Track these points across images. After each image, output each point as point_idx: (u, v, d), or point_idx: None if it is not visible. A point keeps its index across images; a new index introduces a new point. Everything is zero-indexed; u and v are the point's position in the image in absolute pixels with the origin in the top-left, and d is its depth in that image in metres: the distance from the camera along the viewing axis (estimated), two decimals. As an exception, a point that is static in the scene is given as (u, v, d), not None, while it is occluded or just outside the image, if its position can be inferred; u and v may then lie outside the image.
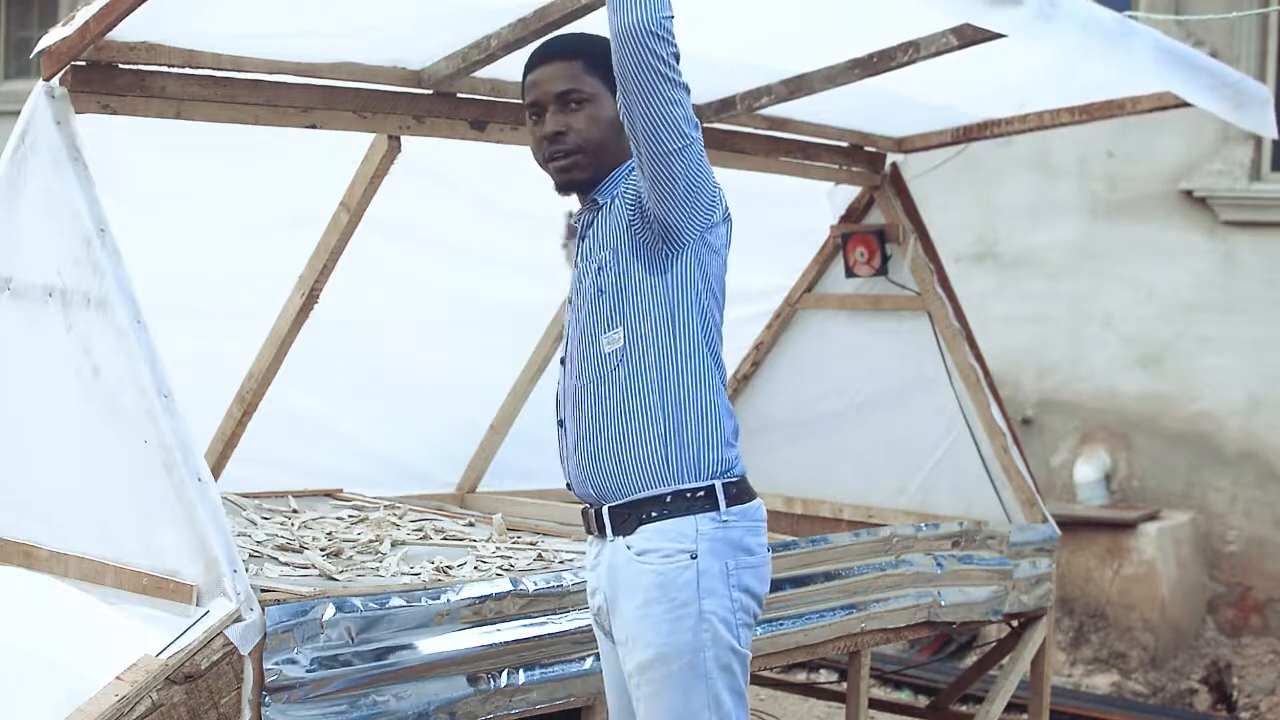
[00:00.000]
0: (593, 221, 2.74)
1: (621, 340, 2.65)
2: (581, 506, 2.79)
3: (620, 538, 2.67)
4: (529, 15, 3.41)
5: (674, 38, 2.50)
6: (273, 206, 3.85)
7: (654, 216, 2.61)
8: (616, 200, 2.70)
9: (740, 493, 2.69)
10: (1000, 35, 3.55)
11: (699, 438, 2.66)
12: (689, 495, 2.64)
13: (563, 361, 2.79)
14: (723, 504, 2.66)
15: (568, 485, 2.79)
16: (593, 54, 2.70)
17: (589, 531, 2.77)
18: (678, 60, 2.52)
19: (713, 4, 3.40)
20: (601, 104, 2.69)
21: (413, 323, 4.46)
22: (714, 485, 2.66)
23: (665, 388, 2.64)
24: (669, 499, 2.64)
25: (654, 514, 2.64)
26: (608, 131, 2.70)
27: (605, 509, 2.69)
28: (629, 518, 2.66)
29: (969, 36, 3.82)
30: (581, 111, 2.69)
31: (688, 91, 2.54)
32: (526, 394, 4.78)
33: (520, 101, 3.90)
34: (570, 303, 2.80)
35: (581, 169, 2.72)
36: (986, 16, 3.23)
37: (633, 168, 2.69)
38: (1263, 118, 4.22)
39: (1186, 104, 4.09)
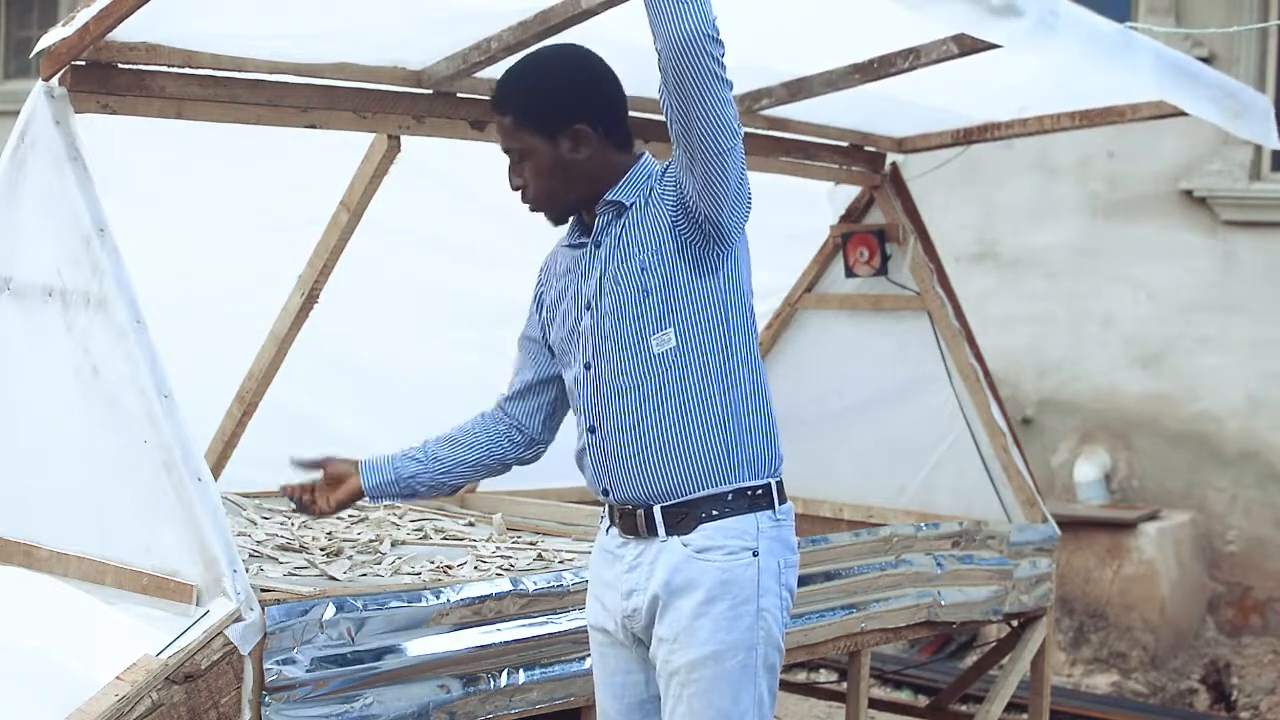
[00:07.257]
0: (610, 224, 2.69)
1: (673, 340, 2.61)
2: (618, 509, 2.70)
3: (675, 537, 2.62)
4: (530, 19, 3.40)
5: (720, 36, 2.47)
6: (273, 206, 3.85)
7: (705, 218, 2.57)
8: (651, 201, 2.65)
9: (783, 491, 2.70)
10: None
11: (757, 435, 2.64)
12: (749, 493, 2.63)
13: (587, 367, 2.69)
14: (777, 502, 2.66)
15: (604, 491, 2.70)
16: (517, 107, 2.68)
17: (628, 533, 2.68)
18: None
19: (713, 4, 3.39)
20: (540, 154, 2.67)
21: (413, 322, 4.45)
22: (770, 484, 2.65)
23: (724, 385, 2.62)
24: (730, 497, 2.62)
25: (714, 512, 2.61)
26: (555, 176, 2.68)
27: (657, 509, 2.63)
28: (686, 516, 2.62)
29: (969, 45, 3.81)
30: (525, 166, 2.70)
31: (732, 88, 2.52)
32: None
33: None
34: (562, 309, 2.75)
35: (551, 212, 2.76)
36: (987, 28, 3.21)
37: (653, 169, 2.68)
38: (1263, 127, 4.22)
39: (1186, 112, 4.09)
